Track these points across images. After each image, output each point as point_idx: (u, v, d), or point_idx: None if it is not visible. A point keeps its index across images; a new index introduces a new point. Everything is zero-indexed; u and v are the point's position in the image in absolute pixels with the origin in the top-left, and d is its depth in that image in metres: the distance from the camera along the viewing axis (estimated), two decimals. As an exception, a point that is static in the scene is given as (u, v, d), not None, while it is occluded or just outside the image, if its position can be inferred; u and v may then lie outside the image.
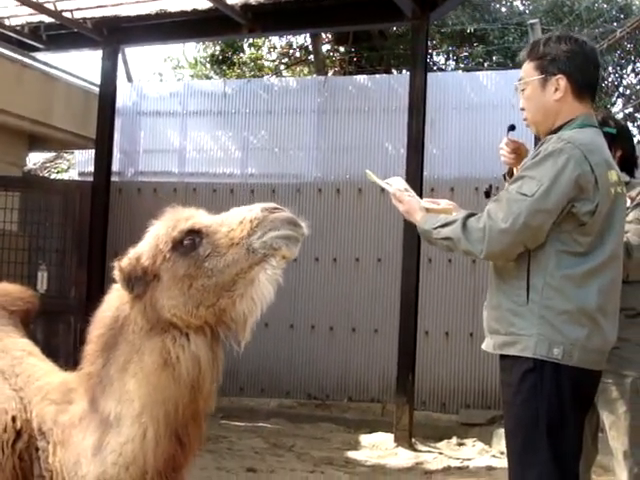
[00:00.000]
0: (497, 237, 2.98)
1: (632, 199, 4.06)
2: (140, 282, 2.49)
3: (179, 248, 2.50)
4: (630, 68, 17.99)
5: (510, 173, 3.57)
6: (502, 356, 3.13)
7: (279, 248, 2.46)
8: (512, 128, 3.56)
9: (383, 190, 3.48)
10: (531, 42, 3.36)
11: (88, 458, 2.46)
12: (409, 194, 3.39)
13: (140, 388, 2.44)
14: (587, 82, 3.20)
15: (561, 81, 3.14)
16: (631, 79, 18.31)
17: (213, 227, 2.52)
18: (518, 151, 3.52)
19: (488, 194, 3.65)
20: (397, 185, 3.44)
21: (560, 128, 3.14)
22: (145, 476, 2.44)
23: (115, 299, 2.60)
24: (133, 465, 2.42)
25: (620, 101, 18.05)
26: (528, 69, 3.23)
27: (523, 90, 3.24)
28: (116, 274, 2.53)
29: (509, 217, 2.96)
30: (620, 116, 16.15)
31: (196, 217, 2.58)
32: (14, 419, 2.56)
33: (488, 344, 3.20)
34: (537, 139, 3.35)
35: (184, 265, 2.48)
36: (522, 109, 3.27)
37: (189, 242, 2.50)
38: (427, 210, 3.29)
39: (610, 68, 16.89)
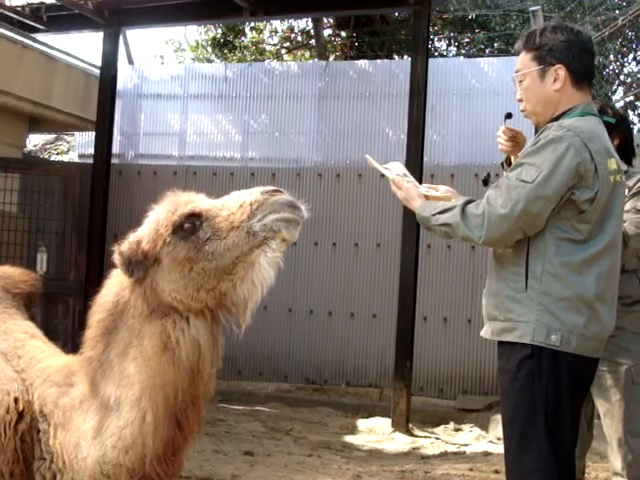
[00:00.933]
0: (496, 223, 2.98)
1: (629, 188, 4.07)
2: (140, 266, 2.50)
3: (179, 232, 2.51)
4: (631, 56, 17.95)
5: (508, 161, 3.57)
6: (500, 342, 3.14)
7: (279, 231, 2.47)
8: (509, 116, 3.56)
9: (383, 176, 3.48)
10: (526, 33, 3.35)
11: (88, 441, 2.47)
12: (408, 179, 3.38)
13: (140, 372, 2.44)
14: (585, 71, 3.20)
15: (560, 71, 3.14)
16: (632, 67, 18.28)
17: (213, 211, 2.52)
18: (515, 139, 3.53)
19: (486, 182, 3.66)
20: (396, 170, 3.43)
21: (560, 117, 3.15)
22: (144, 460, 2.45)
23: (115, 284, 2.61)
24: (132, 449, 2.44)
25: (621, 89, 18.01)
26: (525, 60, 3.23)
27: (521, 81, 3.25)
28: (116, 258, 2.53)
29: (508, 203, 2.96)
30: (621, 104, 16.14)
31: (196, 201, 2.59)
32: (16, 400, 2.57)
33: (486, 330, 3.21)
34: (537, 127, 3.34)
35: (184, 249, 2.48)
36: (520, 100, 3.27)
37: (189, 226, 2.50)
38: (426, 197, 3.29)
39: (611, 56, 16.84)
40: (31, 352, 2.75)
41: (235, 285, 2.46)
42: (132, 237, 2.58)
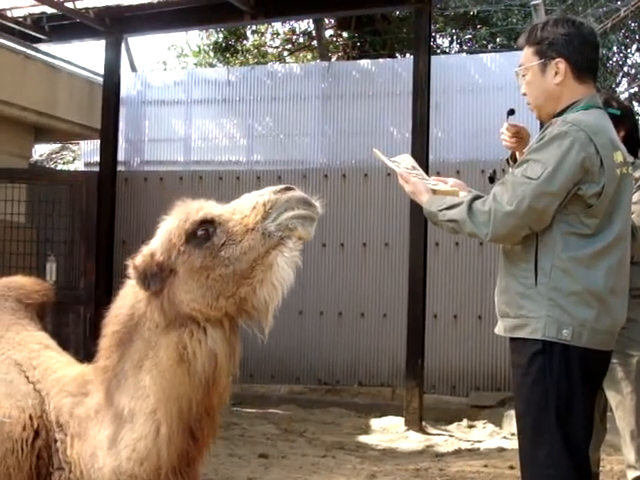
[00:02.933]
0: (502, 220, 2.98)
1: (636, 180, 4.06)
2: (156, 278, 2.46)
3: (193, 240, 2.47)
4: (635, 47, 17.92)
5: (513, 157, 3.56)
6: (512, 338, 3.14)
7: (295, 228, 2.45)
8: (511, 112, 3.56)
9: (389, 174, 3.47)
10: (529, 27, 3.35)
11: (104, 451, 2.47)
12: (417, 173, 3.38)
13: (155, 384, 2.43)
14: (587, 64, 3.19)
15: (560, 64, 3.14)
16: (636, 58, 18.25)
17: (225, 216, 2.49)
18: (519, 135, 3.52)
19: (492, 179, 3.65)
20: (405, 163, 3.42)
21: (564, 111, 3.14)
22: (159, 471, 2.44)
23: (130, 296, 2.57)
24: (147, 461, 2.43)
25: (625, 81, 17.98)
26: (527, 54, 3.23)
27: (524, 76, 3.24)
28: (131, 272, 2.50)
29: (514, 200, 2.96)
30: (625, 96, 16.12)
31: (207, 208, 2.55)
32: (31, 417, 2.56)
33: (499, 328, 3.21)
34: (541, 122, 3.34)
35: (200, 256, 2.45)
36: (524, 94, 3.27)
37: (203, 233, 2.47)
38: (433, 191, 3.28)
39: (614, 48, 16.81)
40: (46, 362, 2.75)
41: (255, 289, 2.43)
42: (145, 250, 2.54)
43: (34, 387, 2.65)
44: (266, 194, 2.48)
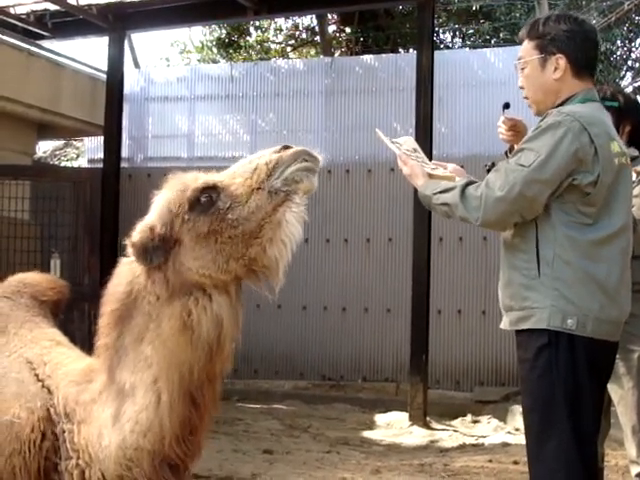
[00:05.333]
0: (492, 205, 3.01)
1: (638, 173, 4.05)
2: (159, 251, 2.45)
3: (197, 207, 2.47)
4: (639, 41, 17.88)
5: (511, 150, 3.58)
6: (517, 332, 3.14)
7: (301, 180, 2.46)
8: (507, 106, 3.58)
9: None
10: (530, 21, 3.36)
11: (109, 428, 2.48)
12: (417, 156, 3.40)
13: (156, 354, 2.43)
14: (586, 61, 3.21)
15: (561, 60, 3.15)
16: (640, 52, 18.21)
17: (226, 181, 2.51)
18: (516, 128, 3.53)
19: (490, 171, 3.66)
20: (406, 145, 3.44)
21: (561, 105, 3.16)
22: (163, 441, 2.44)
23: (126, 273, 2.56)
24: (150, 431, 2.44)
25: (629, 74, 17.94)
26: (527, 48, 3.24)
27: (523, 69, 3.26)
28: (129, 251, 2.50)
29: (505, 186, 2.99)
30: (629, 90, 16.07)
31: (204, 176, 2.56)
32: (40, 419, 2.57)
33: (505, 322, 3.22)
34: (539, 116, 3.35)
35: (206, 222, 2.45)
36: (521, 87, 3.29)
37: (206, 199, 2.47)
38: (430, 175, 3.30)
39: (618, 41, 16.78)
40: (57, 358, 2.75)
41: (265, 247, 2.43)
42: (141, 226, 2.52)
43: (43, 384, 2.65)
44: (265, 155, 2.50)
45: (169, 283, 2.46)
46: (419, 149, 3.47)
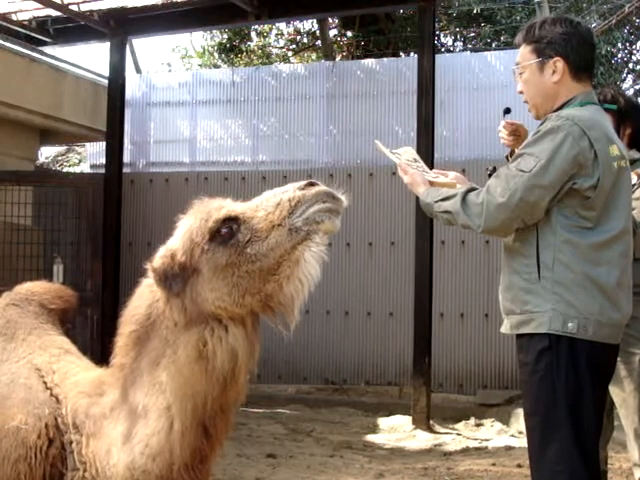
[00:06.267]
0: (494, 212, 3.01)
1: (639, 175, 4.05)
2: (178, 279, 2.44)
3: (217, 238, 2.46)
4: (639, 44, 17.87)
5: (512, 154, 3.59)
6: (518, 335, 3.14)
7: (322, 222, 2.44)
8: (507, 111, 3.61)
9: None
10: (526, 25, 3.37)
11: (118, 447, 2.48)
12: (417, 165, 3.40)
13: (171, 381, 2.42)
14: (584, 63, 3.21)
15: (558, 63, 3.16)
16: (641, 54, 18.19)
17: (248, 213, 2.48)
18: (516, 132, 3.54)
19: (492, 175, 3.67)
20: (406, 156, 3.45)
21: (560, 108, 3.16)
22: (172, 467, 2.44)
23: (146, 295, 2.56)
24: (159, 456, 2.43)
25: (630, 77, 17.93)
26: (525, 53, 3.25)
27: (521, 74, 3.27)
28: (150, 275, 2.48)
29: (506, 192, 2.99)
30: (630, 92, 16.06)
31: (227, 206, 2.54)
32: (47, 426, 2.57)
33: (505, 326, 3.21)
34: (539, 120, 3.35)
35: (225, 254, 2.43)
36: (520, 92, 3.29)
37: (227, 231, 2.45)
38: (431, 183, 3.30)
39: (619, 44, 16.77)
40: (65, 367, 2.76)
41: (281, 285, 2.42)
42: (163, 250, 2.51)
43: (51, 392, 2.65)
44: (290, 190, 2.48)
45: (187, 311, 2.44)
46: (419, 159, 3.48)
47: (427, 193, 3.25)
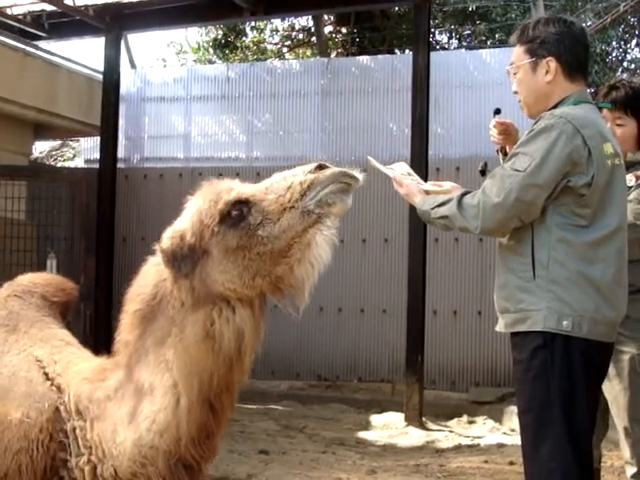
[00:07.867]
0: (491, 212, 3.02)
1: (637, 177, 4.05)
2: (187, 260, 2.44)
3: (227, 220, 2.46)
4: (634, 42, 17.91)
5: (503, 150, 3.62)
6: (513, 334, 3.15)
7: (334, 203, 2.46)
8: (497, 112, 3.64)
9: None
10: (520, 26, 3.38)
11: (124, 425, 2.49)
12: (412, 178, 3.42)
13: (178, 359, 2.44)
14: (577, 63, 3.22)
15: (551, 63, 3.17)
16: (635, 53, 18.24)
17: (259, 195, 2.48)
18: (507, 131, 3.56)
19: (483, 172, 3.70)
20: (400, 170, 3.48)
21: (554, 108, 3.17)
22: (179, 442, 2.46)
23: (152, 274, 2.56)
24: (166, 432, 2.45)
25: (625, 76, 17.95)
26: (519, 53, 3.27)
27: (515, 74, 3.28)
28: (159, 256, 2.48)
29: (502, 192, 3.00)
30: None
31: (237, 188, 2.54)
32: (48, 420, 2.58)
33: (500, 324, 3.22)
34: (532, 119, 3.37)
35: (235, 236, 2.44)
36: (515, 92, 3.31)
37: (237, 213, 2.45)
38: (427, 192, 3.32)
39: (614, 43, 16.81)
40: (68, 357, 2.77)
41: (292, 267, 2.43)
42: (171, 232, 2.50)
43: (53, 383, 2.66)
44: (299, 174, 2.49)
45: (194, 291, 2.45)
46: (413, 172, 3.51)
47: (423, 201, 3.27)
